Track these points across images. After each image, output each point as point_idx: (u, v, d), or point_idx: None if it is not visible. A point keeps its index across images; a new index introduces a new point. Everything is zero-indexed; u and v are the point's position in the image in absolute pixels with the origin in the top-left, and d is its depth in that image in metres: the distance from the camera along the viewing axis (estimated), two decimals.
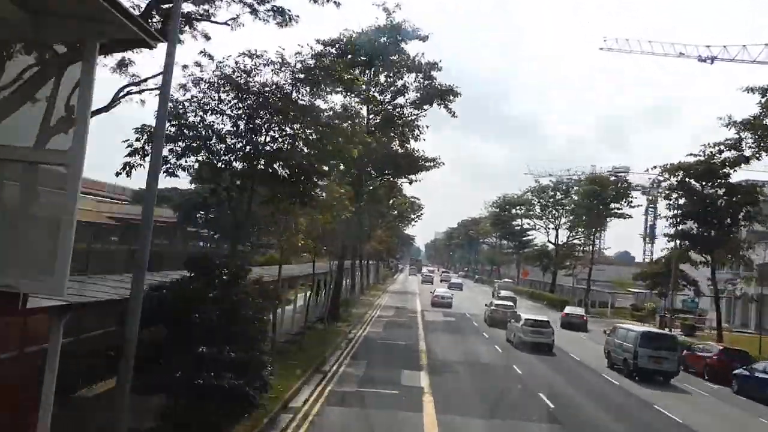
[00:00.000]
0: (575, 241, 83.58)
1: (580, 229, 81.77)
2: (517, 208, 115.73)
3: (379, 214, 65.10)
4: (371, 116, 39.76)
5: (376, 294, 68.52)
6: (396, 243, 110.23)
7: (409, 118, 39.97)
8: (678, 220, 47.85)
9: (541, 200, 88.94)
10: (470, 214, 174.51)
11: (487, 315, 50.30)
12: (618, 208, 72.86)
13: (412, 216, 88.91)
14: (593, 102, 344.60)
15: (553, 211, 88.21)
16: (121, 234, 50.54)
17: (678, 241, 49.43)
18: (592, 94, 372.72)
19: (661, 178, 49.38)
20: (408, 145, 41.68)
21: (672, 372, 28.90)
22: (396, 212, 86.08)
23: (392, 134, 40.06)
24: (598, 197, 71.94)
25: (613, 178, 70.24)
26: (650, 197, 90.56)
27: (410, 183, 52.25)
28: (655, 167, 45.71)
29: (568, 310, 54.35)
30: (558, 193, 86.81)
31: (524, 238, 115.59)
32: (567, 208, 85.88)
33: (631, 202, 71.33)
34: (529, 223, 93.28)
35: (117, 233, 52.48)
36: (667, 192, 49.36)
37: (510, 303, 52.49)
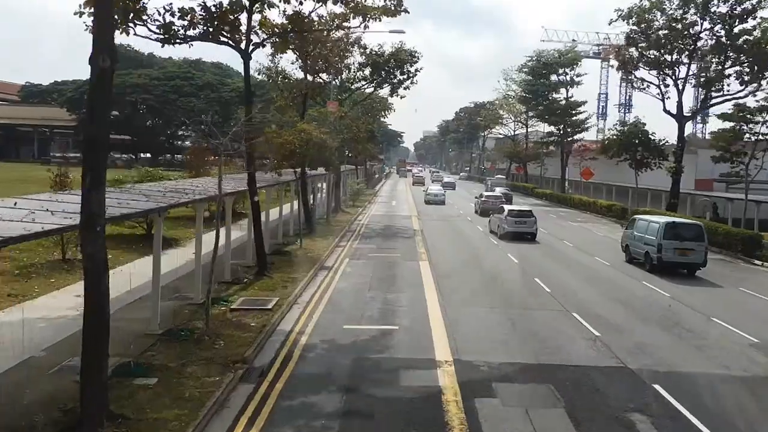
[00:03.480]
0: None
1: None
2: (562, 71, 71.96)
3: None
4: None
5: (318, 256, 25.52)
6: (372, 133, 66.83)
7: None
8: None
9: (644, 36, 44.30)
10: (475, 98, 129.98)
11: (478, 206, 50.08)
12: None
13: (399, 75, 44.53)
14: None
15: (674, 54, 44.06)
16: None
17: None
18: None
19: None
20: None
21: (699, 264, 24.94)
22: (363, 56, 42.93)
23: None
24: None
25: None
26: None
27: None
28: None
29: None
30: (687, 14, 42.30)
31: (575, 117, 72.21)
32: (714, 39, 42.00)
33: None
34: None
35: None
36: None
37: (498, 194, 53.12)
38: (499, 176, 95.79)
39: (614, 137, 50.40)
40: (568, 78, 72.20)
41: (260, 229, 20.99)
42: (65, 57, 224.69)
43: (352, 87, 45.30)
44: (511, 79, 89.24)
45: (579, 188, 69.70)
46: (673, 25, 43.04)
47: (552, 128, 72.95)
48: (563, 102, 72.18)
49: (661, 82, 44.81)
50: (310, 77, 36.24)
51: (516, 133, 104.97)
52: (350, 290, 19.87)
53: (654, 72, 44.89)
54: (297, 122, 30.59)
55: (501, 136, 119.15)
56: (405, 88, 45.24)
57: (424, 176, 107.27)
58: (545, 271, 24.79)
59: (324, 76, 39.53)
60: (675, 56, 43.79)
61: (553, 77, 72.76)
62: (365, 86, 45.53)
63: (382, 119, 73.51)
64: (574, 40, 75.47)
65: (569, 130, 70.90)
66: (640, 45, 44.64)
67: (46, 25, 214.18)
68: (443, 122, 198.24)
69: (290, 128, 27.32)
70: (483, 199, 49.57)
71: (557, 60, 71.41)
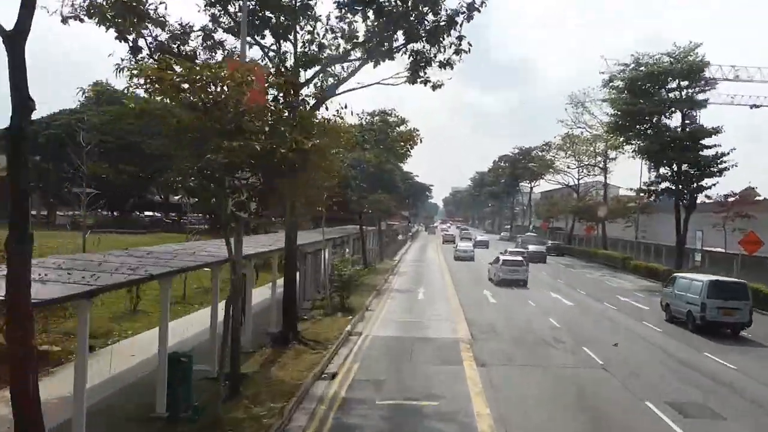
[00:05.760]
0: None
1: None
2: (677, 85, 47.26)
3: None
4: None
5: None
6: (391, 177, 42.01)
7: None
8: None
9: None
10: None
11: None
12: None
13: (432, 23, 19.61)
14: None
15: None
16: None
17: None
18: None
19: None
20: None
21: (744, 323, 23.88)
22: None
23: None
24: None
25: None
26: None
27: None
28: None
29: None
30: None
31: (704, 153, 46.16)
32: None
33: None
34: None
35: None
36: None
37: (522, 250, 53.71)
38: (530, 233, 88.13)
39: None
40: (683, 94, 46.76)
41: None
42: None
43: (322, 57, 19.78)
44: (584, 107, 64.48)
45: (719, 263, 42.96)
46: None
47: (664, 170, 46.66)
48: (679, 130, 46.39)
49: None
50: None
51: (581, 181, 79.59)
52: None
53: None
54: None
55: (558, 186, 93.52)
56: (444, 65, 19.81)
57: (454, 234, 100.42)
58: None
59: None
60: None
61: (662, 94, 47.46)
62: (351, 55, 20.13)
63: (403, 154, 48.44)
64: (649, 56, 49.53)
65: (694, 171, 44.83)
66: None
67: None
68: (477, 174, 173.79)
69: None
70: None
71: (670, 67, 46.02)
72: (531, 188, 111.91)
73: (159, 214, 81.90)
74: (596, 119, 64.75)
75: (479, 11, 17.85)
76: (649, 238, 56.04)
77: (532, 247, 60.48)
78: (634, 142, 49.62)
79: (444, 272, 45.77)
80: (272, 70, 16.13)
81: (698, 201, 45.62)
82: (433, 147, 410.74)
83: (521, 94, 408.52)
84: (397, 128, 44.67)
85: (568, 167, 78.08)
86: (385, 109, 41.90)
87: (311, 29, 19.00)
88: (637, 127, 48.14)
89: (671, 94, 47.17)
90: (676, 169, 45.95)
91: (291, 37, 18.85)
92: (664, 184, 46.80)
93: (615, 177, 72.50)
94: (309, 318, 24.10)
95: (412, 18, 17.93)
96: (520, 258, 40.72)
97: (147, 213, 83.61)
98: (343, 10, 18.82)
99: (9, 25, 7.64)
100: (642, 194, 50.14)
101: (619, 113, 48.68)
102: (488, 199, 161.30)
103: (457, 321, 25.09)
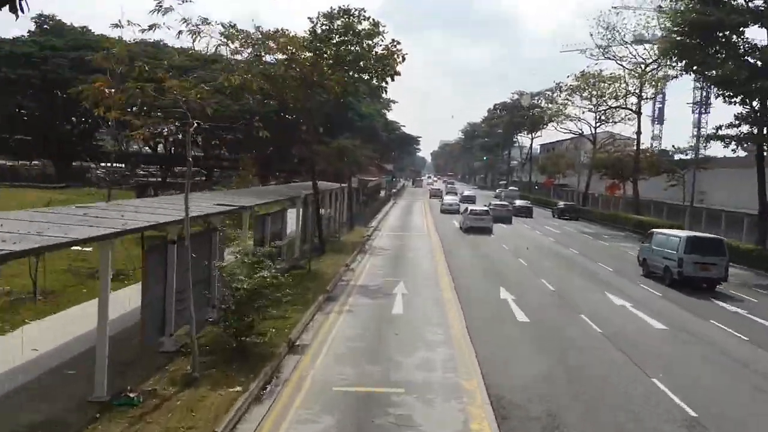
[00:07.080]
0: None
1: None
2: None
3: None
4: None
5: None
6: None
7: None
8: None
9: None
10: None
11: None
12: None
13: None
14: None
15: None
16: None
17: None
18: None
19: None
20: None
21: (720, 278, 23.71)
22: None
23: None
24: None
25: None
26: None
27: None
28: None
29: None
30: None
31: None
32: None
33: None
34: None
35: None
36: None
37: (506, 203, 57.48)
38: (512, 188, 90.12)
39: None
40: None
41: None
42: None
43: None
44: (616, 32, 50.57)
45: None
46: None
47: (741, 108, 33.03)
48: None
49: None
50: None
51: (598, 128, 65.95)
52: None
53: None
54: None
55: (563, 137, 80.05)
56: None
57: (441, 188, 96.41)
58: None
59: None
60: None
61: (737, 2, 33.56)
62: None
63: (380, 83, 34.35)
64: None
65: None
66: None
67: None
68: (468, 126, 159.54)
69: None
70: (491, 207, 47.91)
71: None
72: (532, 139, 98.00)
73: (121, 166, 66.95)
74: (629, 49, 50.90)
75: None
76: (713, 201, 42.74)
77: (518, 202, 62.49)
78: (701, 68, 35.74)
79: (436, 251, 32.18)
80: None
81: None
82: (420, 101, 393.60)
83: (508, 48, 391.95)
84: (368, 41, 30.38)
85: (584, 112, 64.20)
86: (348, 7, 27.47)
87: None
88: (708, 48, 34.30)
89: (751, 4, 33.32)
90: (758, 106, 32.49)
91: None
92: (744, 128, 33.30)
93: (630, 129, 58.76)
94: (141, 394, 10.54)
95: None
96: (485, 208, 44.07)
97: (101, 164, 68.53)
98: None
99: None
100: (714, 142, 36.33)
101: (681, 29, 34.64)
102: (480, 152, 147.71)
103: (469, 398, 11.61)
